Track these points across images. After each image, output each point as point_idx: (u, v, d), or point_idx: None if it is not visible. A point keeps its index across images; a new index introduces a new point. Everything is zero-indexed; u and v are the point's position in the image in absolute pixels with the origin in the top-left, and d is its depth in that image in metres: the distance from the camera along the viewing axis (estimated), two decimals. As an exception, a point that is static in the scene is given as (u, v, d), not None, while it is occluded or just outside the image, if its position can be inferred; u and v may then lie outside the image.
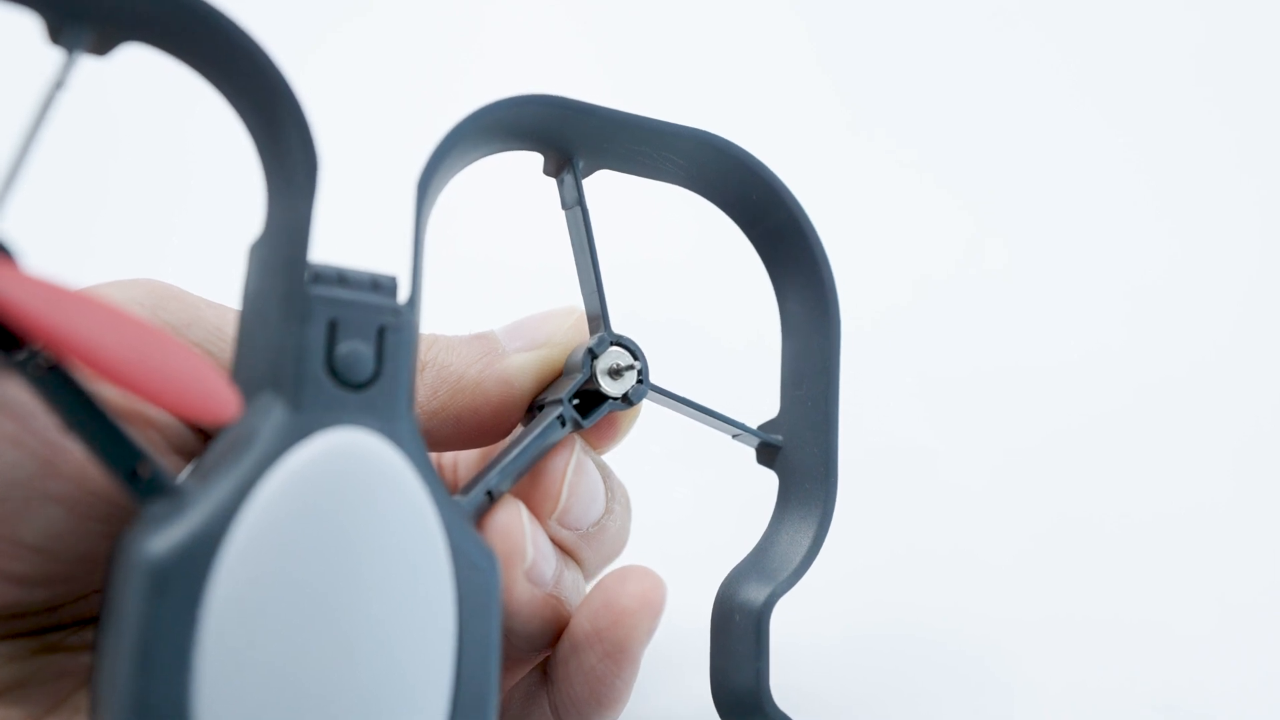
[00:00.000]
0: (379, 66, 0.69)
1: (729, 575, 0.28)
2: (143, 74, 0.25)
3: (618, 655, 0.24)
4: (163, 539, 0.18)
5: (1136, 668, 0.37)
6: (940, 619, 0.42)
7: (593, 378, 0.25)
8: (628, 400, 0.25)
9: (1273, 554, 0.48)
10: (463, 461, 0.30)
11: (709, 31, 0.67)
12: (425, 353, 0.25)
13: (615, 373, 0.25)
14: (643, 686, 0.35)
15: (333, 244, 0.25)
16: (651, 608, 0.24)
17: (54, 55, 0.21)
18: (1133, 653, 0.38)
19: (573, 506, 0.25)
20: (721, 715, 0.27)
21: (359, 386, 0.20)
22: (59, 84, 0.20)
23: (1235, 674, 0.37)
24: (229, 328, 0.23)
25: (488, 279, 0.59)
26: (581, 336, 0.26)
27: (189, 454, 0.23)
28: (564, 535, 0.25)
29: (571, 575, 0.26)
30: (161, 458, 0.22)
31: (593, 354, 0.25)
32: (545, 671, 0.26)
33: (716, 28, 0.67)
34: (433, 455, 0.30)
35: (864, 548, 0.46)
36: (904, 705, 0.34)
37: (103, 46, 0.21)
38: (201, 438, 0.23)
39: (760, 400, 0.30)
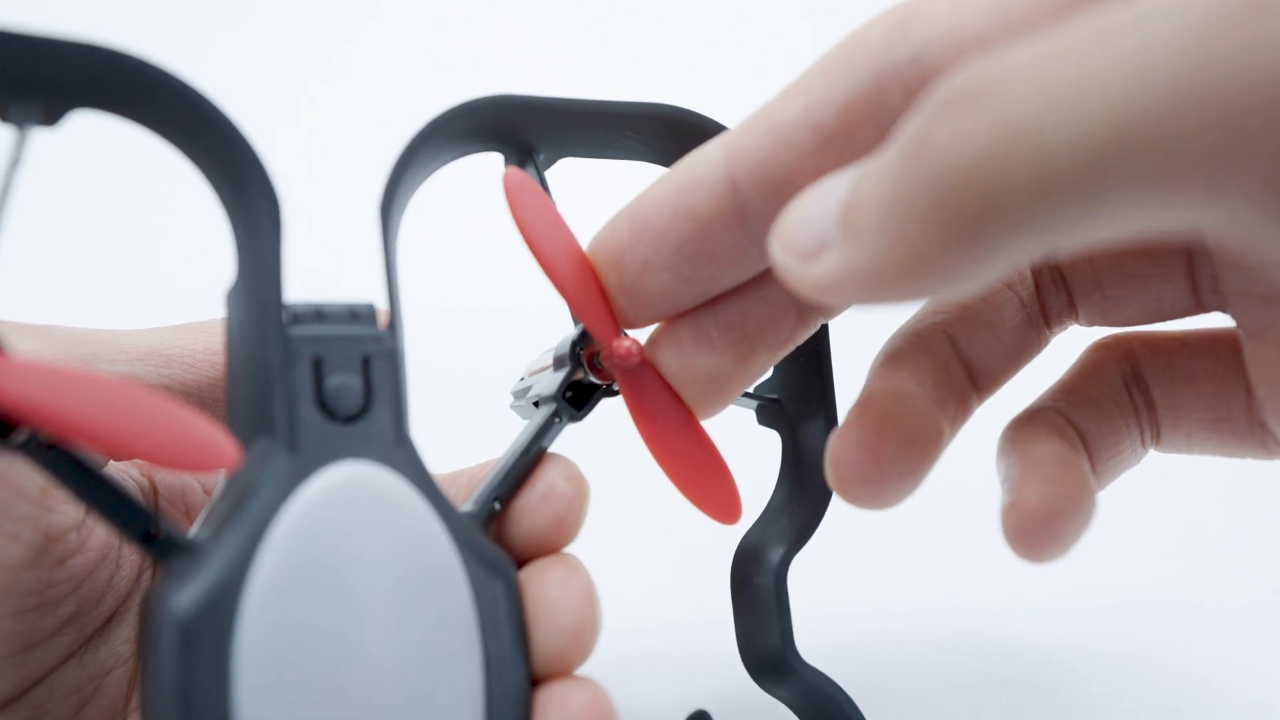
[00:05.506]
0: (334, 85, 0.69)
1: (743, 539, 0.28)
2: (95, 133, 0.25)
3: None
4: (185, 593, 0.19)
5: (1138, 667, 0.37)
6: (940, 617, 0.42)
7: (581, 369, 0.25)
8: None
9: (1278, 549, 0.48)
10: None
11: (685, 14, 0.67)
12: None
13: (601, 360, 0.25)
14: (634, 679, 0.36)
15: (309, 273, 0.26)
16: None
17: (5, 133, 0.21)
18: (1133, 652, 0.39)
19: None
20: (754, 678, 0.27)
21: (352, 419, 0.21)
22: (15, 161, 0.20)
23: (1239, 673, 0.37)
24: None
25: (463, 276, 0.59)
26: None
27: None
28: None
29: None
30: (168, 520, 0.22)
31: (577, 346, 0.25)
32: None
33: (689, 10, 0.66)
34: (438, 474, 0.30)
35: (858, 546, 0.46)
36: (897, 707, 0.34)
37: (51, 117, 0.21)
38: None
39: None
